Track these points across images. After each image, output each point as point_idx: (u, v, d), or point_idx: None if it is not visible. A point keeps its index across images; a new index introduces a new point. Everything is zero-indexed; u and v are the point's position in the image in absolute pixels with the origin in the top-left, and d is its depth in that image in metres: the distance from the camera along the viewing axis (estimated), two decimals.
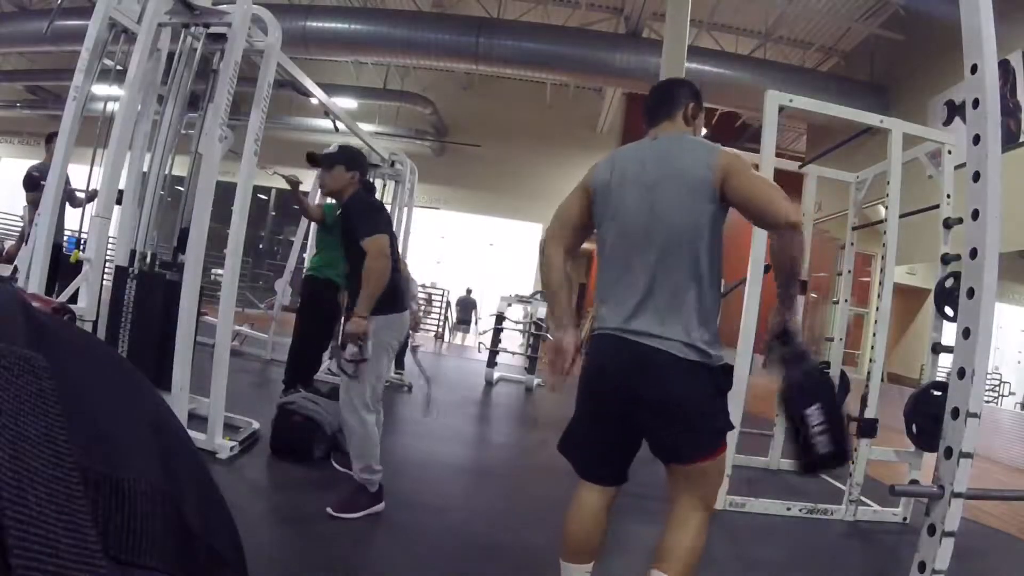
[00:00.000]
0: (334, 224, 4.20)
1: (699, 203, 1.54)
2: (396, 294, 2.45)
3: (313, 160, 2.73)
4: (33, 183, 4.13)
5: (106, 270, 2.99)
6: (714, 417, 1.55)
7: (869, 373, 3.44)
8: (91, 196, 3.08)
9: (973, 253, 1.63)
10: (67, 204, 3.70)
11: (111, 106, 2.94)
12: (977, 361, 1.59)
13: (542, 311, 7.29)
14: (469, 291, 13.41)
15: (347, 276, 2.58)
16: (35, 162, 4.52)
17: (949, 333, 2.22)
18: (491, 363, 6.92)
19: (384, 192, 6.10)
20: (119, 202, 2.95)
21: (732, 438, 3.21)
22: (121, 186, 2.95)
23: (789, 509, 3.24)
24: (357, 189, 2.59)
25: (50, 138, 3.86)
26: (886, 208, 3.49)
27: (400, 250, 5.97)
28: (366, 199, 2.62)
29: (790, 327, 1.56)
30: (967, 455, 1.58)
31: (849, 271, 4.24)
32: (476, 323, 13.40)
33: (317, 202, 5.47)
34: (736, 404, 2.88)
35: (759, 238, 3.25)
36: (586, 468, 1.65)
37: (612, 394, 1.57)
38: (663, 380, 1.50)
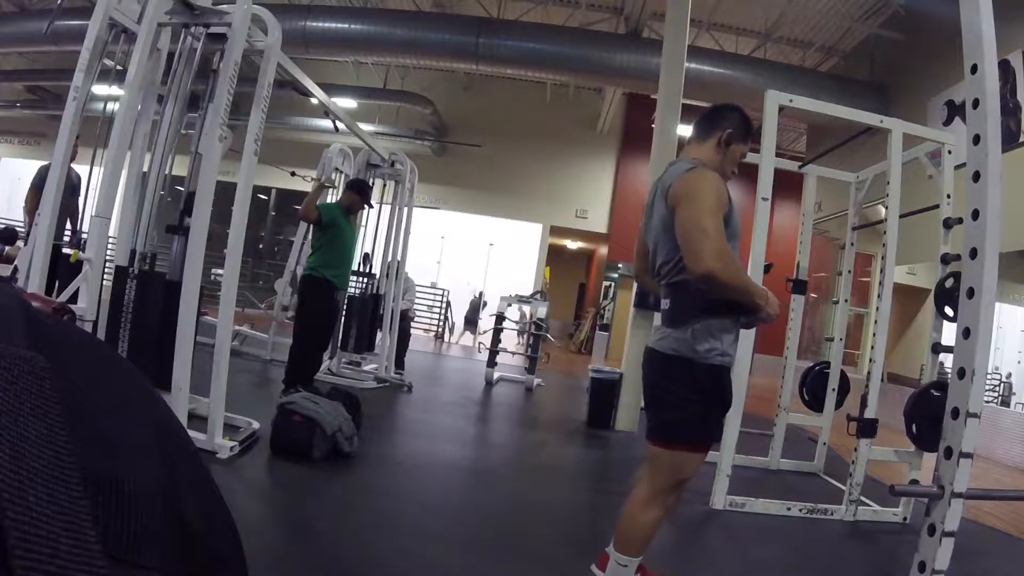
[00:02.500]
0: (330, 223, 4.19)
1: (670, 233, 1.67)
2: None
3: None
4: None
5: (106, 270, 2.99)
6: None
7: (869, 373, 3.43)
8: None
9: (973, 253, 1.63)
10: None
11: (111, 106, 2.94)
12: (977, 361, 1.59)
13: (542, 311, 7.29)
14: (481, 294, 13.45)
15: None
16: (44, 163, 4.52)
17: (949, 333, 2.22)
18: (491, 363, 6.92)
19: (384, 192, 6.11)
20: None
21: (732, 438, 3.23)
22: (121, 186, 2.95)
23: (789, 509, 3.24)
24: None
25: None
26: (886, 208, 3.49)
27: (401, 250, 6.03)
28: None
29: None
30: (967, 455, 1.58)
31: (849, 271, 4.25)
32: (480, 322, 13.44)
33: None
34: (736, 404, 2.88)
35: (759, 238, 3.25)
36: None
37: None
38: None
